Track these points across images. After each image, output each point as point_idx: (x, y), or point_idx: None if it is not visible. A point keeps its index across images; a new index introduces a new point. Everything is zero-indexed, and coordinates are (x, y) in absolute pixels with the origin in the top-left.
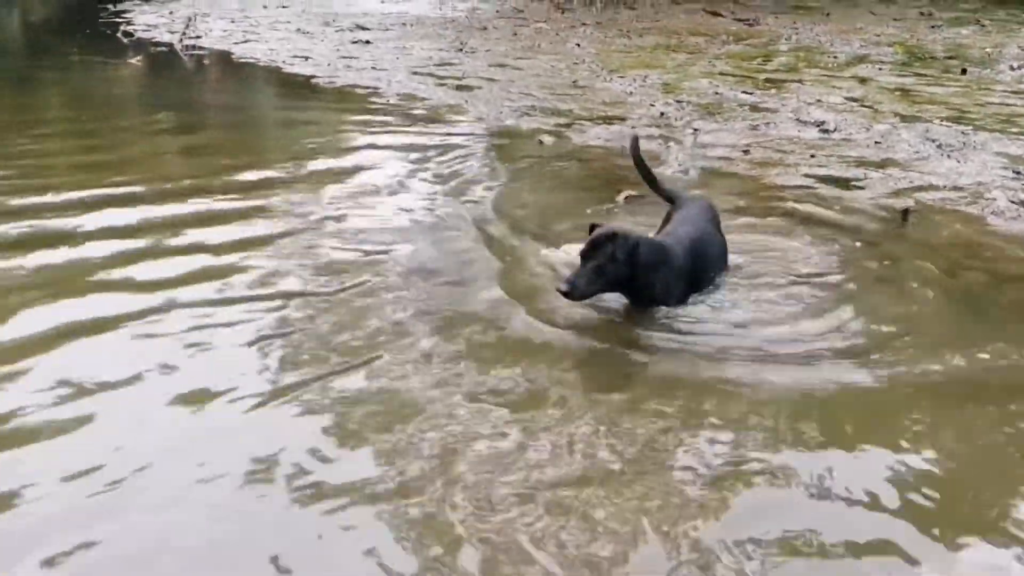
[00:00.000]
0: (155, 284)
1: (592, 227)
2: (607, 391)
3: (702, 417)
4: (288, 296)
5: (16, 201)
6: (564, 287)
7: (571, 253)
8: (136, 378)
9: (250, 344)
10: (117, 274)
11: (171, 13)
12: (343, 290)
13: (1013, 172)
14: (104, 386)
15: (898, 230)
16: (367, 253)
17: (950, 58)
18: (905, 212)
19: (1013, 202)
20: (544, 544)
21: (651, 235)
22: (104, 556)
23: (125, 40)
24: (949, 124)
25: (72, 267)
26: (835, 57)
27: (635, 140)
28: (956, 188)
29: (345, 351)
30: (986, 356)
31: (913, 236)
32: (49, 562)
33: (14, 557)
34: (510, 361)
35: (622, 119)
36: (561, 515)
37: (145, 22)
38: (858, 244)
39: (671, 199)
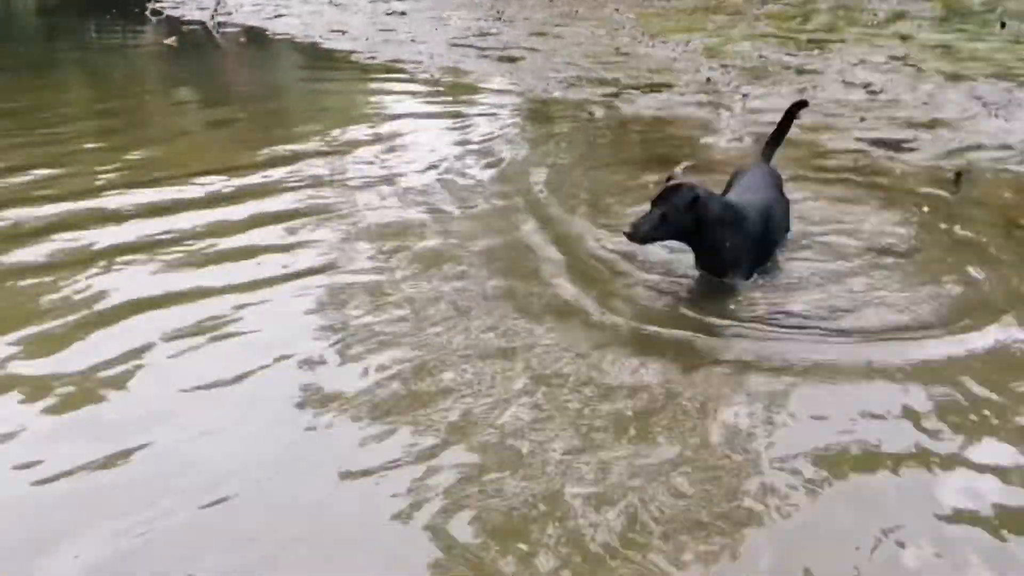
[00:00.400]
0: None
1: (669, 178)
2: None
3: (812, 405)
4: (338, 276)
5: (43, 191)
6: (627, 229)
7: None
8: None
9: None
10: (148, 256)
11: None
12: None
13: None
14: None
15: (953, 192)
16: (419, 234)
17: (988, 11)
18: (958, 175)
19: None
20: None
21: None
22: None
23: (154, 19)
24: (993, 81)
25: (104, 250)
26: (874, 14)
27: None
28: (1005, 147)
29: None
30: None
31: (968, 197)
32: None
33: None
34: (580, 353)
35: (669, 86)
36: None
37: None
38: (916, 209)
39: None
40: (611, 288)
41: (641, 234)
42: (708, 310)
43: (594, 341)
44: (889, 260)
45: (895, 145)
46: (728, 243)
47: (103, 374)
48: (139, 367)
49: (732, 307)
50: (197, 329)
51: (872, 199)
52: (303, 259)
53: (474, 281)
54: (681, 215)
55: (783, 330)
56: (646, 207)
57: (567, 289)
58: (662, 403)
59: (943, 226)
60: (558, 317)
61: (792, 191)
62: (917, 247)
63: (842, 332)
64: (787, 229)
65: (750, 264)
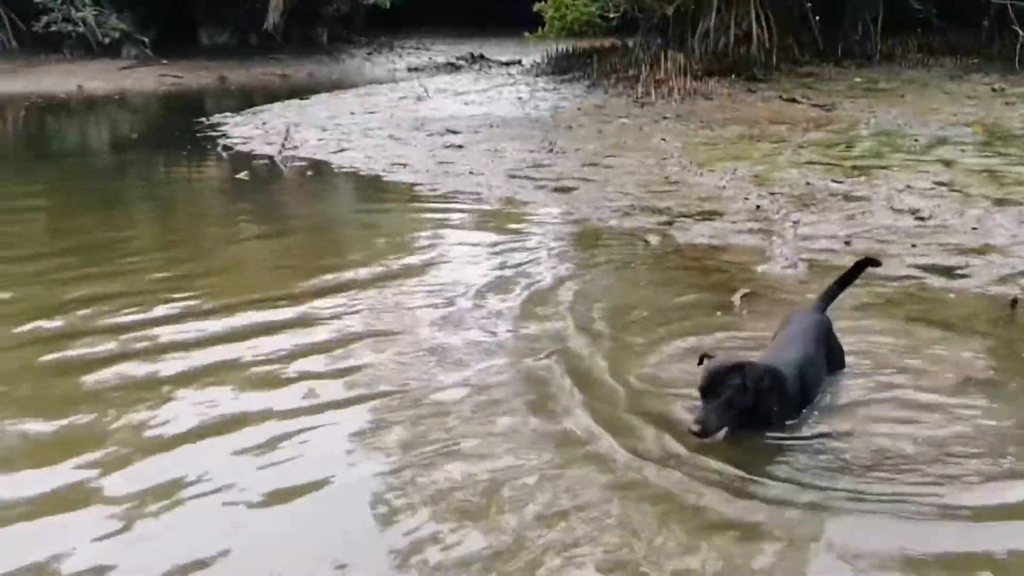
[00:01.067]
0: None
1: (702, 358)
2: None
3: None
4: (376, 400)
5: (110, 320)
6: (695, 427)
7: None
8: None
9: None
10: (211, 381)
11: (264, 124)
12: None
13: None
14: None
15: (1009, 318)
16: (464, 362)
17: None
18: (1014, 301)
19: None
20: None
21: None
22: None
23: (225, 154)
24: None
25: (169, 377)
26: (916, 140)
27: (874, 263)
28: None
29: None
30: None
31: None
32: None
33: None
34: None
35: (720, 214)
36: None
37: (241, 134)
38: (974, 338)
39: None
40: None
41: (713, 429)
42: (759, 465)
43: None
44: (971, 401)
45: (948, 272)
46: (774, 411)
47: (172, 495)
48: (202, 490)
49: (792, 461)
50: (261, 451)
51: (924, 329)
52: (352, 383)
53: (520, 415)
54: (748, 397)
55: (868, 502)
56: (697, 340)
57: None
58: None
59: (993, 359)
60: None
61: (845, 318)
62: (995, 380)
63: (945, 508)
64: (841, 364)
65: (795, 413)
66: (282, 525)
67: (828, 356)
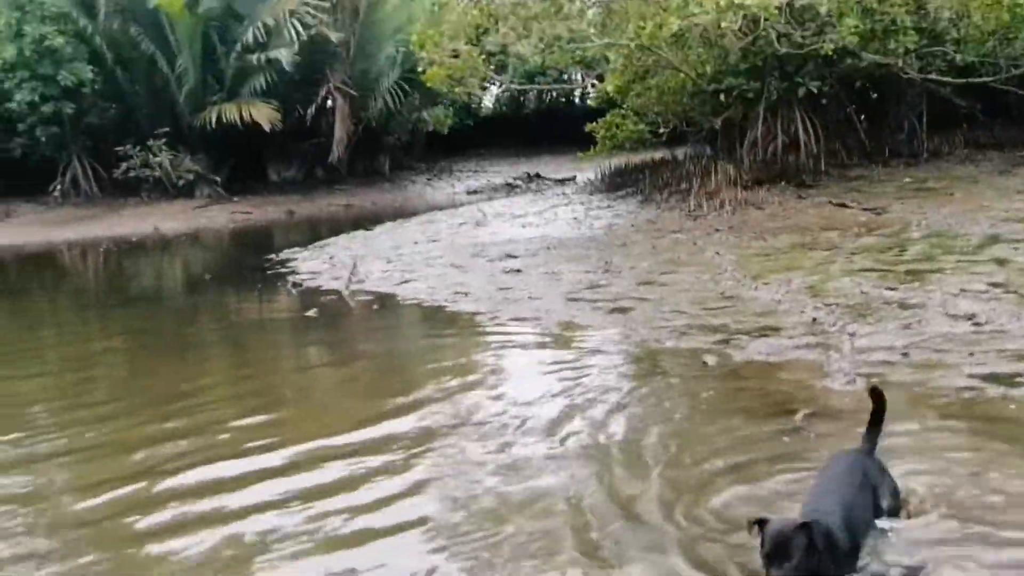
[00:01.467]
0: None
1: (759, 522)
2: None
3: None
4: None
5: (180, 460)
6: None
7: None
8: None
9: None
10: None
11: (331, 258)
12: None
13: None
14: None
15: None
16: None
17: None
18: None
19: None
20: None
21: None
22: None
23: (295, 291)
24: None
25: (239, 510)
26: (968, 240)
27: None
28: None
29: None
30: None
31: None
32: None
33: None
34: None
35: (776, 330)
36: None
37: (309, 269)
38: None
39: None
40: None
41: None
42: None
43: None
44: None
45: (1008, 380)
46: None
47: None
48: None
49: None
50: None
51: (988, 443)
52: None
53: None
54: (813, 558)
55: None
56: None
57: None
58: None
59: None
60: None
61: (903, 436)
62: None
63: None
64: (895, 508)
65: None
66: None
67: (876, 498)
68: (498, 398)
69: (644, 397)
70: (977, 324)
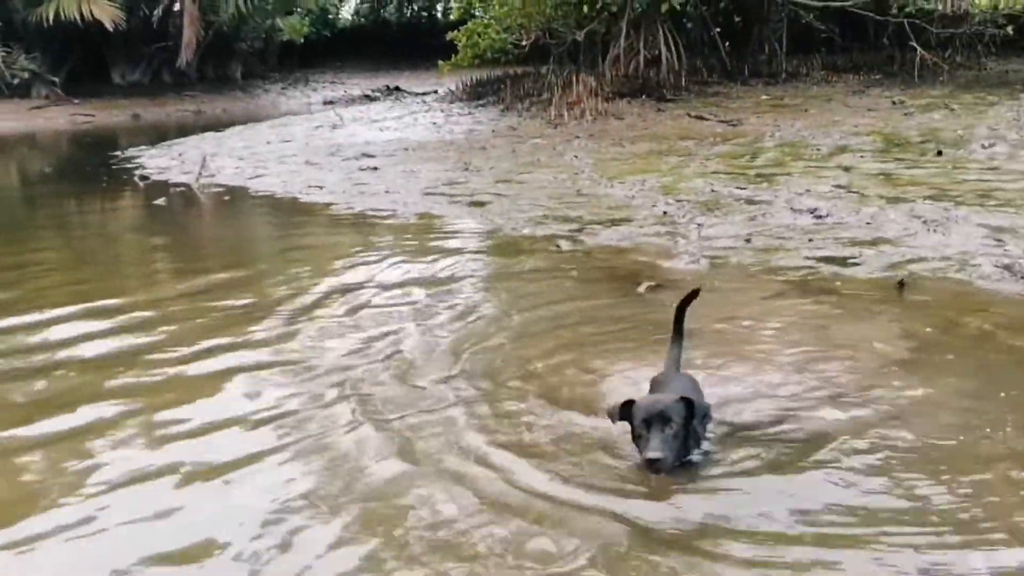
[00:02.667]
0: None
1: (628, 403)
2: None
3: None
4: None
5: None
6: (655, 454)
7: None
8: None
9: None
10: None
11: (180, 155)
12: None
13: (995, 240)
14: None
15: (896, 298)
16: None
17: (925, 142)
18: (901, 282)
19: (997, 266)
20: None
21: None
22: None
23: (142, 184)
24: (932, 202)
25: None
26: (818, 149)
27: (696, 292)
28: (945, 258)
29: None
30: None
31: (908, 300)
32: None
33: None
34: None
35: (629, 220)
36: None
37: (157, 165)
38: (859, 310)
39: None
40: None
41: (672, 461)
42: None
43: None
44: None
45: (842, 261)
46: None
47: None
48: None
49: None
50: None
51: (819, 306)
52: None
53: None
54: (686, 429)
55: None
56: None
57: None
58: None
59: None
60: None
61: (748, 304)
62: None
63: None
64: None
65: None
66: None
67: None
68: (352, 276)
69: (498, 275)
70: (819, 217)
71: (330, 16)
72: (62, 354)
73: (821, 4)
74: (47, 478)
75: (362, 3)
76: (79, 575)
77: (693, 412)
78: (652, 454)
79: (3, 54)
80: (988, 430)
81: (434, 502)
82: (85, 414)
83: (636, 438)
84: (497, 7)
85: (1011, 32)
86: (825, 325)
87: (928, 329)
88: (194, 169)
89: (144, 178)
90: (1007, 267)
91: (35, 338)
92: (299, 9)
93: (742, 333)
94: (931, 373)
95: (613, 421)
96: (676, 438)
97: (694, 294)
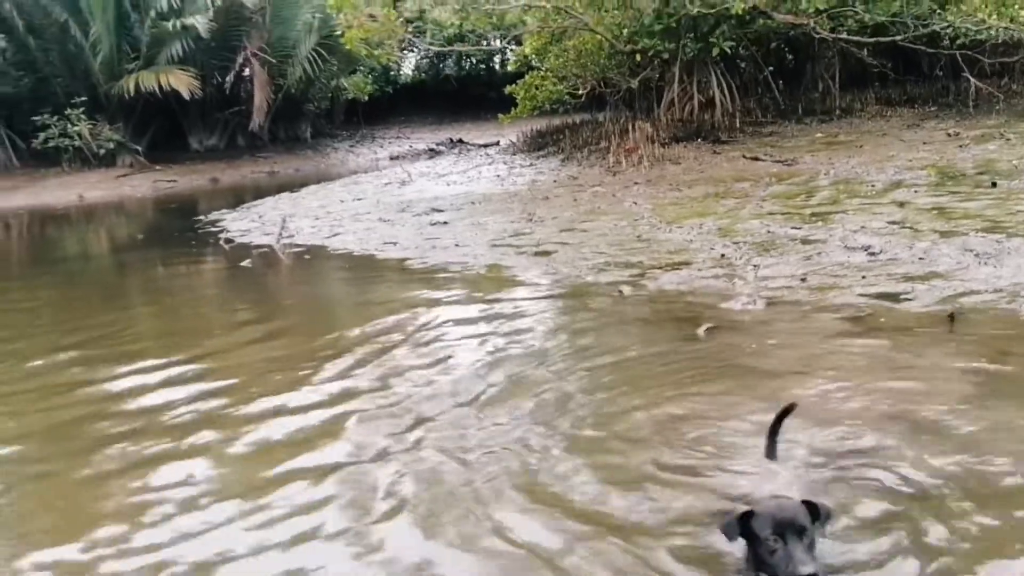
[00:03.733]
0: None
1: (747, 514)
2: None
3: None
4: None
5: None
6: (809, 569)
7: None
8: None
9: None
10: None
11: (260, 217)
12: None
13: None
14: None
15: (949, 329)
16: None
17: (980, 174)
18: (951, 316)
19: None
20: None
21: None
22: None
23: (227, 247)
24: (984, 234)
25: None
26: (872, 186)
27: (791, 407)
28: (996, 290)
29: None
30: None
31: (958, 333)
32: None
33: None
34: None
35: (687, 264)
36: None
37: (239, 228)
38: (909, 343)
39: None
40: None
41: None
42: None
43: None
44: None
45: (894, 297)
46: None
47: None
48: None
49: None
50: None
51: (870, 342)
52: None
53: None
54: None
55: None
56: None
57: None
58: None
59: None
60: None
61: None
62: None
63: None
64: None
65: None
66: None
67: None
68: (429, 332)
69: (563, 322)
70: (872, 254)
71: (392, 73)
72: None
73: (872, 40)
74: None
75: (422, 59)
76: None
77: (819, 516)
78: (805, 568)
79: (89, 126)
80: None
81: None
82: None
83: (769, 553)
84: (553, 59)
85: None
86: (880, 360)
87: (981, 361)
88: (274, 230)
89: (229, 241)
90: None
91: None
92: (362, 68)
93: (799, 369)
94: (986, 401)
95: (731, 538)
96: (813, 548)
97: (790, 408)
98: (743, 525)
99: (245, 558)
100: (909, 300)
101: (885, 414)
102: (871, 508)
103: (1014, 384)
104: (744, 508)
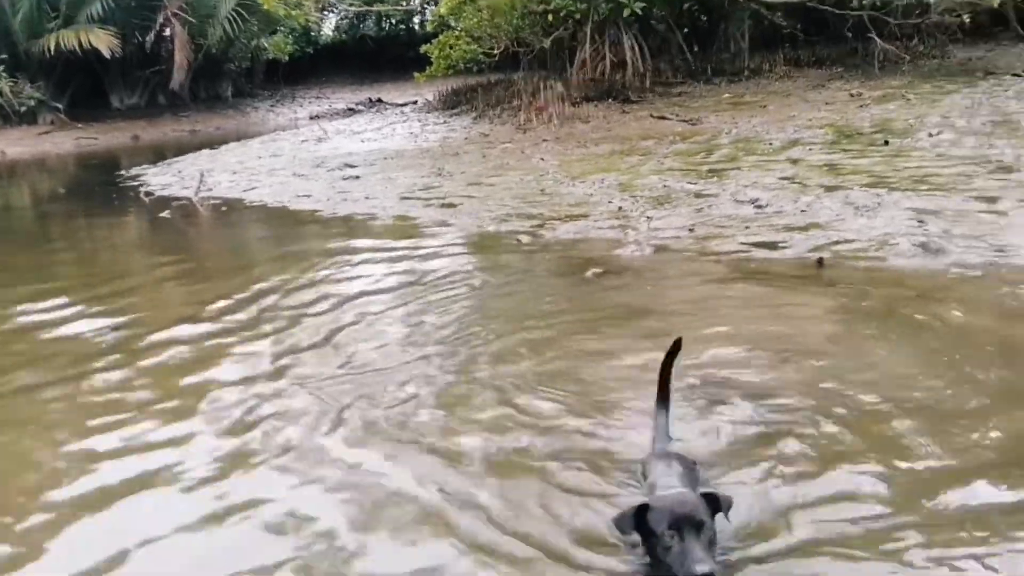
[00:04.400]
0: None
1: (642, 507)
2: None
3: None
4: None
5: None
6: (707, 568)
7: None
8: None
9: None
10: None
11: (180, 172)
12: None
13: (917, 221)
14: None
15: (816, 274)
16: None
17: (876, 133)
18: (820, 261)
19: (914, 244)
20: None
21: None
22: None
23: (147, 199)
24: (867, 189)
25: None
26: (770, 144)
27: (678, 343)
28: (868, 239)
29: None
30: None
31: (826, 277)
32: None
33: None
34: None
35: (585, 216)
36: None
37: (159, 183)
38: (781, 286)
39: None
40: None
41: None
42: None
43: None
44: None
45: (772, 245)
46: None
47: None
48: None
49: None
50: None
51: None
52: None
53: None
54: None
55: None
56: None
57: None
58: None
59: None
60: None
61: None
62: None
63: None
64: None
65: None
66: None
67: None
68: (331, 269)
69: (462, 268)
70: (759, 207)
71: (312, 34)
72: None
73: (782, 2)
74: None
75: (342, 20)
76: None
77: (719, 508)
78: (702, 567)
79: (10, 84)
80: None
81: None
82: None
83: (664, 550)
84: (467, 19)
85: (967, 20)
86: (754, 301)
87: (843, 300)
88: (193, 184)
89: (149, 194)
90: (922, 245)
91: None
92: (282, 28)
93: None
94: (847, 337)
95: (625, 533)
96: (713, 545)
97: (677, 347)
98: (638, 519)
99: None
100: (786, 248)
101: (757, 350)
102: (743, 432)
103: (873, 322)
104: (640, 501)
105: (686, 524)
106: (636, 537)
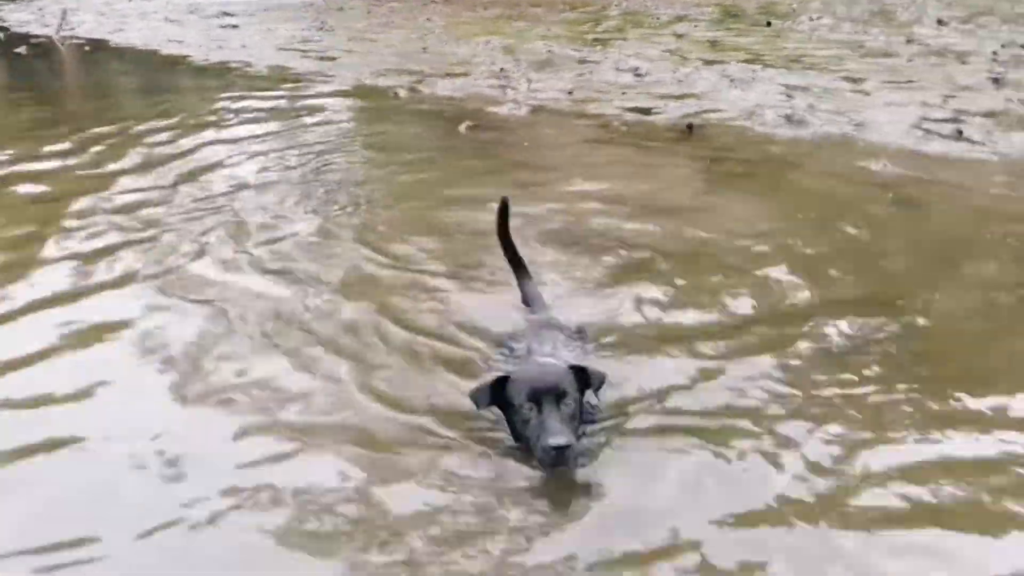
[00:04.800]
0: None
1: (502, 380)
2: None
3: None
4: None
5: None
6: (560, 439)
7: None
8: None
9: None
10: None
11: (40, 9)
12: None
13: (786, 96)
14: None
15: (685, 137)
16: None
17: (760, 14)
18: (690, 126)
19: (779, 116)
20: None
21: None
22: None
23: (2, 35)
24: (744, 64)
25: None
26: (658, 19)
27: (504, 202)
28: (739, 110)
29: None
30: None
31: (695, 141)
32: None
33: None
34: None
35: (466, 74)
36: None
37: (16, 19)
38: (652, 147)
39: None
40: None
41: (577, 451)
42: None
43: None
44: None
45: (646, 111)
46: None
47: None
48: None
49: None
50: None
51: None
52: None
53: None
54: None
55: None
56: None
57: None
58: None
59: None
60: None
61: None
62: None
63: None
64: None
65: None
66: None
67: None
68: (207, 115)
69: (337, 117)
70: (639, 75)
71: None
72: None
73: None
74: None
75: None
76: None
77: (588, 383)
78: (556, 439)
79: None
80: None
81: None
82: None
83: (521, 423)
84: None
85: None
86: (624, 160)
87: (709, 163)
88: (54, 23)
89: (4, 30)
90: (787, 116)
91: None
92: None
93: (551, 165)
94: (709, 194)
95: (480, 407)
96: (575, 419)
97: (504, 206)
98: (497, 391)
99: None
100: (660, 114)
101: (625, 204)
102: (606, 270)
103: (732, 180)
104: (499, 374)
105: (546, 396)
106: (496, 411)
